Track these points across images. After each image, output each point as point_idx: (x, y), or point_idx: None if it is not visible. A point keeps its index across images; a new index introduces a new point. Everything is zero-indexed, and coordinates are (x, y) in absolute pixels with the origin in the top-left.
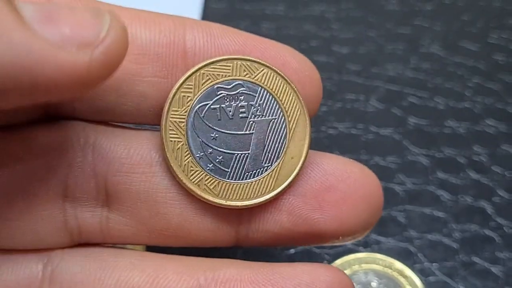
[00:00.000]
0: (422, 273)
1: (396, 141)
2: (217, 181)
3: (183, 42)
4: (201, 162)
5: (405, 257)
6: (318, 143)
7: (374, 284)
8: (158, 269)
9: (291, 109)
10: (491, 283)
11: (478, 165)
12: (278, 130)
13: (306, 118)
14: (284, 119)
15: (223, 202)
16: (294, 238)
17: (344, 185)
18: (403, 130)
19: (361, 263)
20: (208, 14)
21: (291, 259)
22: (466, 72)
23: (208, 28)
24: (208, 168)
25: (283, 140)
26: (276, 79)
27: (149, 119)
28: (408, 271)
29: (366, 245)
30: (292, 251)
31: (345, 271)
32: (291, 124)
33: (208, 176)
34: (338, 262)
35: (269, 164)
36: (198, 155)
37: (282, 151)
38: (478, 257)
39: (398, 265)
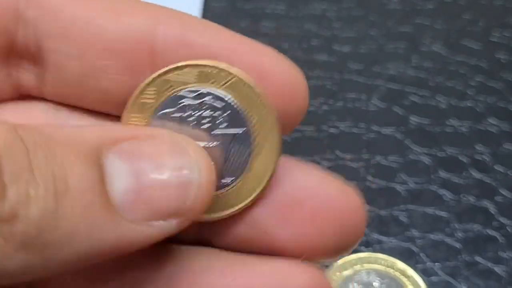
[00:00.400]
0: (425, 273)
1: (398, 140)
2: None
3: (152, 38)
4: None
5: (407, 256)
6: (319, 143)
7: (376, 284)
8: None
9: (260, 124)
10: (494, 283)
11: (481, 164)
12: (242, 145)
13: (276, 134)
14: (251, 134)
15: None
16: (254, 249)
17: (314, 202)
18: (405, 129)
19: (363, 262)
20: (209, 12)
21: None
22: (468, 70)
23: (183, 24)
24: None
25: (247, 157)
26: (246, 90)
27: (115, 112)
28: (410, 271)
29: (368, 245)
30: None
31: (347, 271)
32: (257, 139)
33: None
34: (339, 262)
35: (232, 179)
36: None
37: (246, 167)
38: (481, 257)
39: (400, 265)
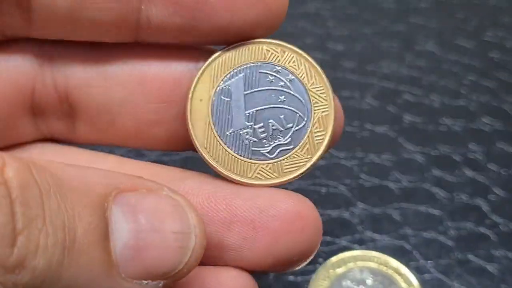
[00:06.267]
0: (418, 271)
1: (391, 138)
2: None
3: None
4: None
5: (400, 254)
6: None
7: (369, 281)
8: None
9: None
10: (486, 280)
11: (474, 163)
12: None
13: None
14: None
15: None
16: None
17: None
18: (398, 127)
19: (356, 260)
20: None
21: None
22: (461, 69)
23: None
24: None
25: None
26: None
27: (108, 39)
28: (404, 269)
29: (361, 243)
30: None
31: (340, 269)
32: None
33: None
34: (333, 259)
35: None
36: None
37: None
38: (474, 254)
39: (394, 262)
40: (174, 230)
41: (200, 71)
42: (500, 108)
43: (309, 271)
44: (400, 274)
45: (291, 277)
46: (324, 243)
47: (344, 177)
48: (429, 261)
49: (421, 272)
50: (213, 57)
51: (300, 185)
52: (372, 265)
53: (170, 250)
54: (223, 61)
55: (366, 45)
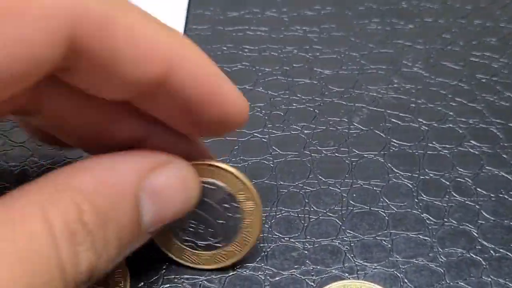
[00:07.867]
0: None
1: (380, 163)
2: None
3: None
4: None
5: (391, 282)
6: (302, 167)
7: None
8: None
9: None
10: None
11: (463, 187)
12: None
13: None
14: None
15: None
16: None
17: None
18: (387, 152)
19: None
20: (190, 36)
21: (277, 285)
22: (449, 91)
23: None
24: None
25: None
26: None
27: None
28: None
29: (351, 272)
30: (277, 279)
31: None
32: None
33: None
34: None
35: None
36: None
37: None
38: (464, 281)
39: None
40: (182, 199)
41: None
42: (488, 130)
43: None
44: None
45: None
46: (314, 272)
47: (333, 204)
48: None
49: None
50: None
51: (289, 213)
52: None
53: (179, 213)
54: None
55: (354, 68)
